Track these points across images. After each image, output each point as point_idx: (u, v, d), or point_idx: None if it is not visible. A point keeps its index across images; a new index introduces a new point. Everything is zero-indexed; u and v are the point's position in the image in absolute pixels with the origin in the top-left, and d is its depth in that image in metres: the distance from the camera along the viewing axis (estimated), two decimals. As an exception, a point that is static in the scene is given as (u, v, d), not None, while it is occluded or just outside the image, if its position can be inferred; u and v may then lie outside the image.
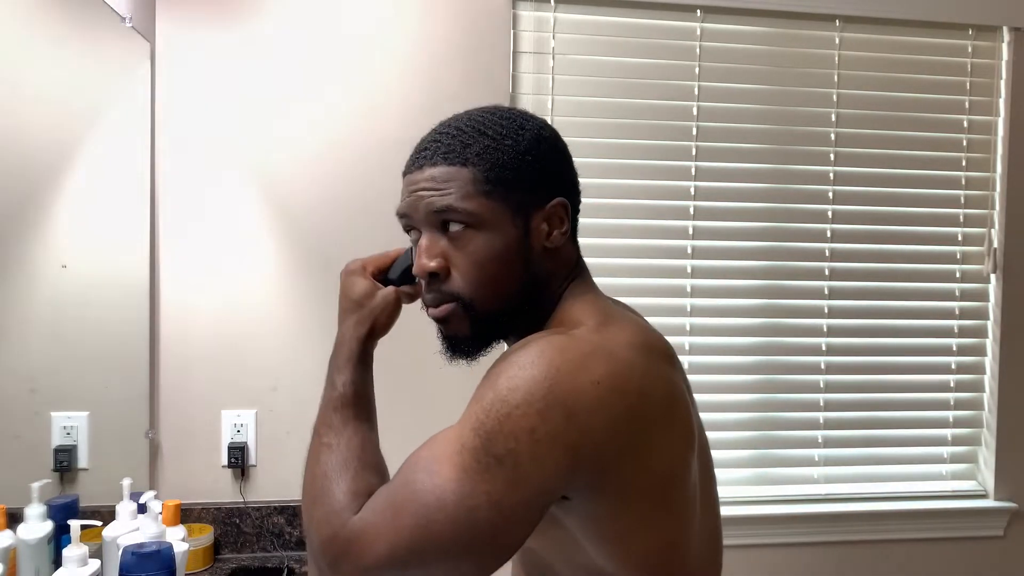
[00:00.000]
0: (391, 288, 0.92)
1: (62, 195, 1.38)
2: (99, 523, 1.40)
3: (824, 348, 1.96)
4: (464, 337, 0.85)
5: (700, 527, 0.83)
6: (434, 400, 1.61)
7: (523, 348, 0.75)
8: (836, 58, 1.93)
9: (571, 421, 0.70)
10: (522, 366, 0.72)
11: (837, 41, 1.93)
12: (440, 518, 0.70)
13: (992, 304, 2.02)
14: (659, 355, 0.81)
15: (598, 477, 0.73)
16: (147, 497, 1.44)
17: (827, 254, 1.95)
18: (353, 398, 0.85)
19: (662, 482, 0.77)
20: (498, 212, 0.82)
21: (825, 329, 1.95)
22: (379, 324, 0.90)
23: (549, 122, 0.95)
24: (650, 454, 0.75)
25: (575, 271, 0.89)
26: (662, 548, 0.79)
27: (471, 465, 0.70)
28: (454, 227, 0.82)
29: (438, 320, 0.85)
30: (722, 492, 1.90)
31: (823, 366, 1.96)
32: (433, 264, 0.82)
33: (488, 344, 0.87)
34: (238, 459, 1.71)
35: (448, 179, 0.81)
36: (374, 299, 0.90)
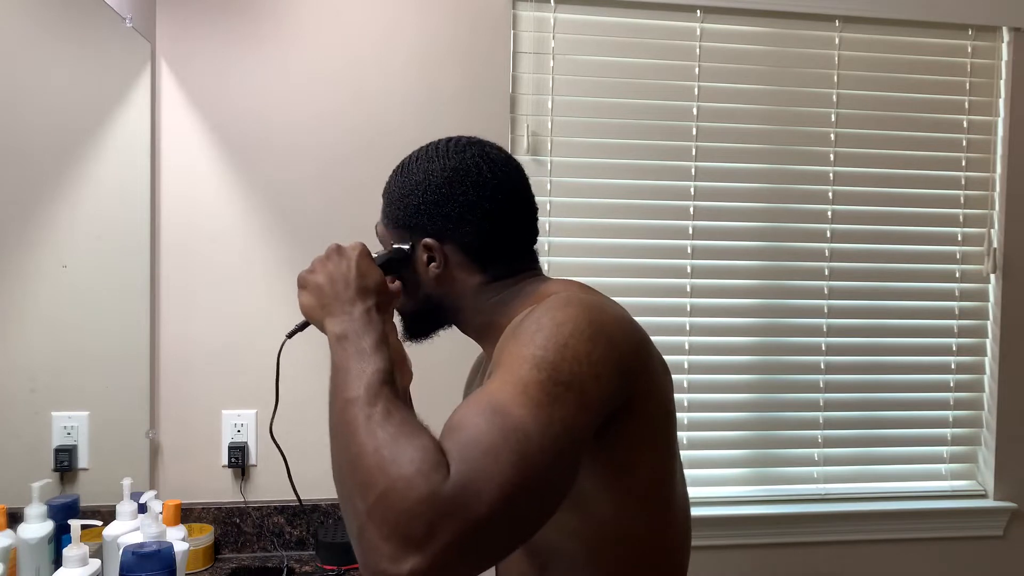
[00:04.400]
0: (397, 284, 0.95)
1: (62, 195, 1.38)
2: (99, 523, 1.40)
3: (824, 348, 1.96)
4: (404, 326, 1.03)
5: (680, 489, 0.92)
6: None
7: (538, 309, 0.82)
8: (836, 58, 1.93)
9: (613, 346, 0.79)
10: (554, 310, 0.80)
11: (837, 41, 1.93)
12: (534, 451, 0.69)
13: (992, 304, 2.02)
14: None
15: (627, 400, 0.81)
16: (147, 497, 1.44)
17: (827, 254, 1.95)
18: (392, 376, 0.80)
19: (662, 412, 0.87)
20: (389, 241, 0.99)
21: (825, 329, 1.95)
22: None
23: (490, 152, 0.97)
24: (653, 385, 0.85)
25: (493, 291, 0.96)
26: (655, 482, 0.87)
27: (541, 398, 0.72)
28: None
29: None
30: (722, 492, 1.92)
31: (823, 366, 1.96)
32: None
33: (422, 334, 1.03)
34: (238, 459, 1.71)
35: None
36: (389, 292, 0.92)
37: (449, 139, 0.98)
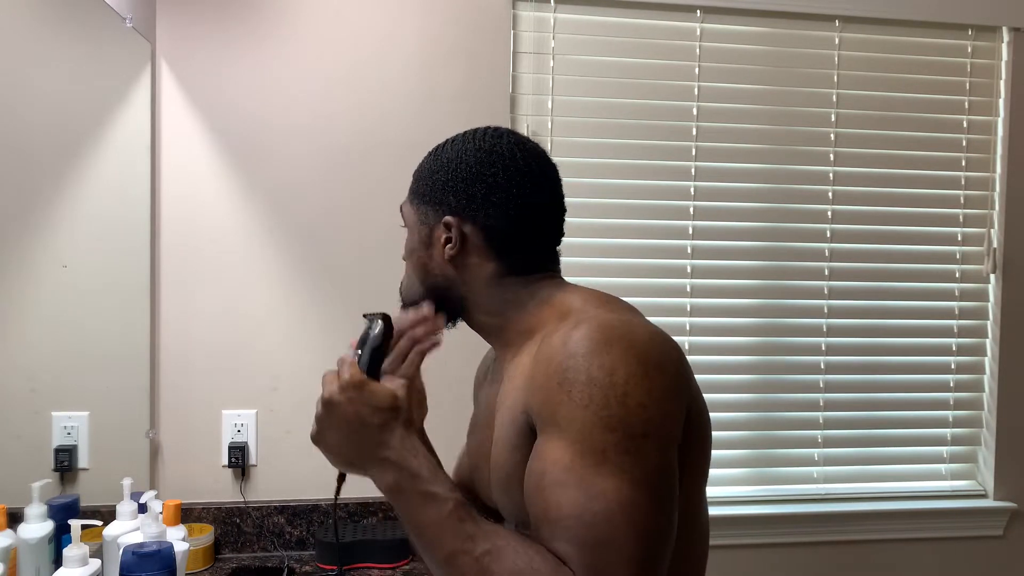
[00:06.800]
0: (399, 382, 0.87)
1: (63, 195, 1.38)
2: (99, 523, 1.40)
3: (824, 348, 1.96)
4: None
5: (704, 496, 0.91)
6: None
7: (573, 344, 0.78)
8: (836, 58, 1.93)
9: (665, 373, 0.78)
10: (598, 355, 0.76)
11: (837, 41, 1.93)
12: (644, 516, 0.71)
13: (992, 304, 2.02)
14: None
15: (687, 415, 0.81)
16: (147, 497, 1.44)
17: (827, 254, 1.95)
18: (463, 497, 0.80)
19: (704, 420, 0.86)
20: (412, 218, 0.97)
21: (825, 329, 1.95)
22: (415, 418, 0.90)
23: (522, 144, 0.95)
24: (693, 399, 0.84)
25: (506, 286, 0.93)
26: (692, 493, 0.85)
27: (624, 460, 0.72)
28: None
29: None
30: (722, 492, 1.92)
31: (823, 366, 1.96)
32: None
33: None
34: (238, 459, 1.71)
35: None
36: (400, 398, 0.85)
37: (487, 127, 0.97)
